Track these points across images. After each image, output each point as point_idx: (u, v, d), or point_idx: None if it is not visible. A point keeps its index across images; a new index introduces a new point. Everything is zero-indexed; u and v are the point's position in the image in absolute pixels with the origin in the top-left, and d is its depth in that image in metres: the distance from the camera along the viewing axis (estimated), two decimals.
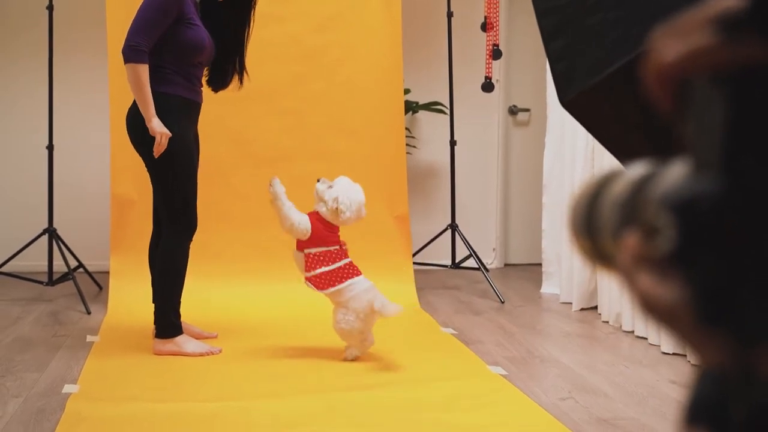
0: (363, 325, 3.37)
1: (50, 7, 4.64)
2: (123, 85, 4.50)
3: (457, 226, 5.23)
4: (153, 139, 3.34)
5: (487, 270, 5.10)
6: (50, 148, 4.68)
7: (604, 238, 0.52)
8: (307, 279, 3.41)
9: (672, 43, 0.46)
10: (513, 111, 6.35)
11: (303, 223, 3.37)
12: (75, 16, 5.45)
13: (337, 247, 3.43)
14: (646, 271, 0.47)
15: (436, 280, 5.46)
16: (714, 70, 0.44)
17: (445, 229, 5.28)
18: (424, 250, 5.28)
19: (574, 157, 4.61)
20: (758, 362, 0.44)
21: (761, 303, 0.43)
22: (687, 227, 0.43)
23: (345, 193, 3.39)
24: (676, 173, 0.47)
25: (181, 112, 3.43)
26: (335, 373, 3.27)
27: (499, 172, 6.28)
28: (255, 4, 3.66)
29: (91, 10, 5.29)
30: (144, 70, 3.29)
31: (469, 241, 5.14)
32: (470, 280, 5.45)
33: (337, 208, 3.36)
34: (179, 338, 3.52)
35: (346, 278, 3.38)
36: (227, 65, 3.65)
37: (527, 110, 6.35)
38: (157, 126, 3.31)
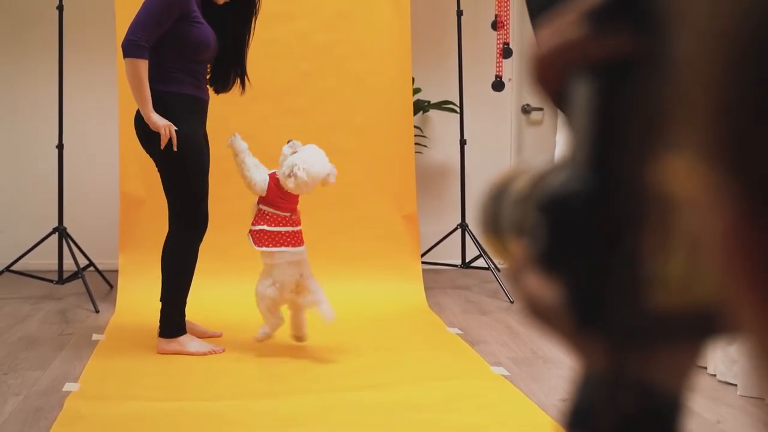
0: (279, 295, 3.39)
1: (60, 7, 4.67)
2: None
3: (467, 226, 5.21)
4: (159, 139, 3.35)
5: (497, 269, 5.08)
6: (60, 147, 4.71)
7: (506, 234, 0.50)
8: (250, 232, 3.46)
9: (548, 36, 0.44)
10: (526, 110, 6.31)
11: (260, 183, 3.42)
12: (84, 15, 5.48)
13: (289, 214, 3.46)
14: (531, 273, 0.45)
15: (446, 280, 5.44)
16: (584, 63, 0.42)
17: (455, 229, 5.26)
18: (434, 250, 5.27)
19: None
20: (628, 365, 0.42)
21: (630, 304, 0.41)
22: (555, 227, 0.42)
23: (305, 161, 3.38)
24: (562, 171, 0.45)
25: (190, 111, 3.43)
26: (336, 373, 3.27)
27: None
28: (257, 10, 3.65)
29: (101, 9, 5.32)
30: (143, 65, 3.29)
31: (481, 242, 5.12)
32: (481, 280, 5.43)
33: (288, 174, 3.35)
34: (183, 338, 3.53)
35: (282, 244, 3.40)
36: (228, 69, 3.64)
37: (540, 109, 6.31)
38: (157, 120, 3.32)
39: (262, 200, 3.47)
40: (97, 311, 4.31)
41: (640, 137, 0.40)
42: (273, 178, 3.45)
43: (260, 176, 3.44)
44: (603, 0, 0.41)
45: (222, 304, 4.26)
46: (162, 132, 3.31)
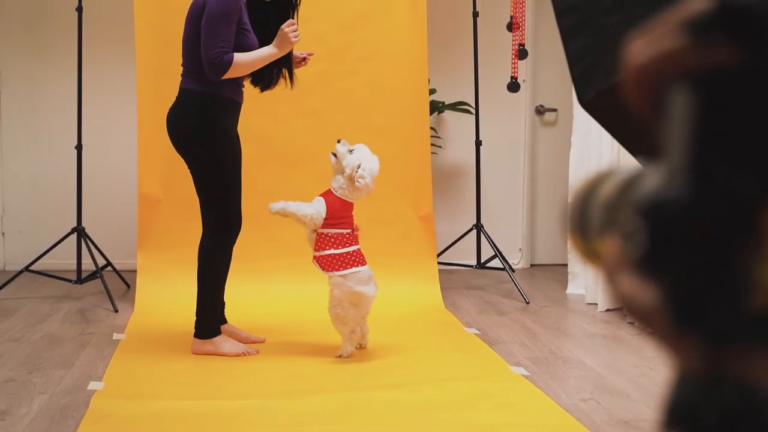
0: (356, 311, 3.40)
1: (79, 9, 4.70)
2: (150, 85, 4.57)
3: (482, 226, 5.23)
4: (197, 140, 3.37)
5: (512, 270, 5.09)
6: (79, 148, 4.74)
7: (593, 237, 0.52)
8: (315, 258, 3.45)
9: (644, 46, 0.46)
10: (540, 111, 6.32)
11: (319, 212, 3.41)
12: (104, 17, 5.52)
13: (350, 231, 3.47)
14: (627, 274, 0.47)
15: (462, 280, 5.45)
16: (683, 72, 0.44)
17: (471, 229, 5.27)
18: (449, 250, 5.28)
19: (600, 157, 4.59)
20: (728, 366, 0.44)
21: (731, 306, 0.43)
22: (655, 232, 0.44)
23: (366, 161, 3.43)
24: (654, 176, 0.47)
25: (224, 112, 3.44)
26: (355, 373, 3.29)
27: (526, 172, 6.26)
28: (298, 3, 3.63)
29: (120, 11, 5.35)
30: (236, 62, 3.27)
31: (496, 242, 5.13)
32: (496, 280, 5.44)
33: (353, 175, 3.38)
34: (217, 338, 3.54)
35: (352, 265, 3.41)
36: (273, 66, 3.61)
37: (554, 110, 6.32)
38: (280, 41, 3.36)
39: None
40: (116, 311, 4.34)
41: (742, 146, 0.41)
42: (329, 195, 3.46)
43: (311, 208, 3.43)
44: (706, 10, 0.43)
45: (240, 305, 4.26)
46: (291, 34, 3.35)
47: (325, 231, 3.43)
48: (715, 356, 0.44)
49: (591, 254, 0.54)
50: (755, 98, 0.41)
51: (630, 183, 0.49)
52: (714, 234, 0.42)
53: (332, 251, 3.41)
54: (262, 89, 3.67)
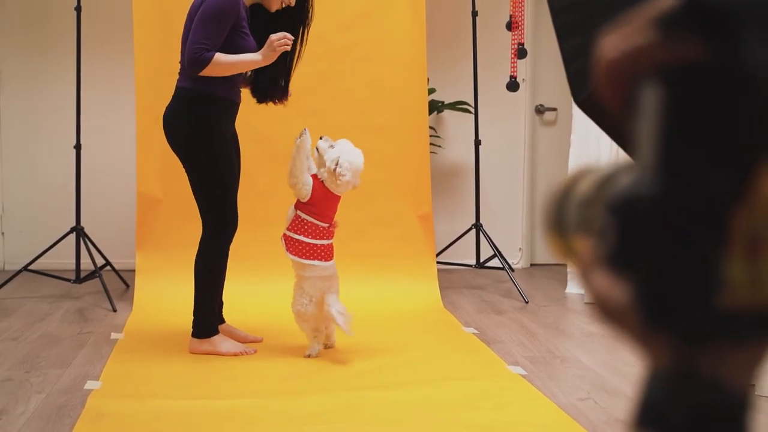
0: (317, 311, 3.40)
1: (78, 8, 4.70)
2: (149, 84, 4.56)
3: (482, 226, 5.22)
4: (192, 139, 3.36)
5: (512, 269, 5.08)
6: (77, 147, 4.74)
7: (570, 234, 0.52)
8: (284, 236, 3.46)
9: (615, 42, 0.46)
10: (539, 110, 6.32)
11: (307, 186, 3.41)
12: (103, 17, 5.52)
13: (327, 225, 3.46)
14: (600, 272, 0.47)
15: (461, 280, 5.45)
16: (653, 68, 0.44)
17: (470, 229, 5.27)
18: (448, 250, 5.28)
19: (600, 156, 4.59)
20: (698, 363, 0.44)
21: (701, 303, 0.42)
22: (625, 229, 0.43)
23: (346, 155, 3.41)
24: (628, 173, 0.47)
25: (220, 111, 3.43)
26: (354, 372, 3.28)
27: (526, 172, 6.25)
28: (310, 21, 3.60)
29: (119, 10, 5.35)
30: (216, 60, 3.25)
31: (495, 241, 5.13)
32: (495, 280, 5.44)
33: (335, 170, 3.37)
34: (215, 338, 3.53)
35: (314, 258, 3.41)
36: (274, 81, 3.60)
37: (554, 109, 6.31)
38: (267, 50, 3.31)
39: (301, 206, 3.46)
40: (115, 310, 4.34)
41: (714, 142, 0.41)
42: (316, 180, 3.45)
43: (308, 179, 3.43)
44: (674, 6, 0.42)
45: (238, 305, 4.27)
46: (278, 46, 3.30)
47: (303, 216, 3.44)
48: (685, 354, 0.44)
49: (569, 252, 0.54)
50: (723, 94, 0.41)
51: (606, 180, 0.48)
52: (684, 231, 0.42)
53: (302, 238, 3.43)
54: (259, 101, 3.65)
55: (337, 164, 3.38)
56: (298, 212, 3.45)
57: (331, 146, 3.45)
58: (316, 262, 3.41)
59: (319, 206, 3.43)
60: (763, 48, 0.38)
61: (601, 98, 0.49)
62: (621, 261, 0.45)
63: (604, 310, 0.46)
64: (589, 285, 0.47)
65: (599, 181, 0.49)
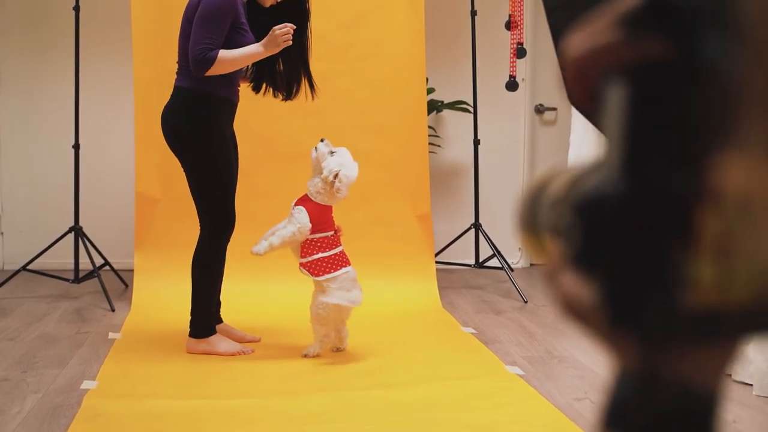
0: (338, 314, 3.39)
1: (77, 8, 4.70)
2: (148, 84, 4.56)
3: (481, 225, 5.22)
4: (191, 139, 3.36)
5: (511, 269, 5.08)
6: (76, 147, 4.74)
7: (543, 235, 0.51)
8: (302, 265, 3.43)
9: (581, 40, 0.45)
10: (539, 110, 6.31)
11: (304, 225, 3.38)
12: (101, 16, 5.51)
13: (332, 233, 3.45)
14: (566, 272, 0.46)
15: (460, 280, 5.44)
16: (618, 67, 0.43)
17: (469, 229, 5.26)
18: (447, 250, 5.28)
19: (599, 156, 4.58)
20: (664, 365, 0.43)
21: (666, 303, 0.42)
22: (590, 228, 0.43)
23: (345, 170, 3.39)
24: (596, 172, 0.46)
25: (220, 111, 3.43)
26: (352, 372, 3.28)
27: (525, 171, 6.25)
28: (309, 14, 3.60)
29: (117, 10, 5.35)
30: (220, 59, 3.25)
31: (495, 241, 5.12)
32: (494, 280, 5.43)
33: (332, 181, 3.35)
34: (212, 338, 3.53)
35: (341, 266, 3.41)
36: (292, 75, 3.61)
37: (554, 109, 6.31)
38: (267, 41, 3.30)
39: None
40: (113, 310, 4.34)
41: (677, 139, 0.41)
42: (307, 202, 3.42)
43: (294, 225, 3.39)
44: (637, 4, 0.42)
45: (237, 304, 4.26)
46: (281, 37, 3.28)
47: (310, 237, 3.42)
48: (651, 355, 0.44)
49: (542, 252, 0.53)
50: (685, 93, 0.40)
51: (577, 180, 0.48)
52: (648, 230, 0.42)
53: (320, 255, 3.40)
54: (285, 98, 3.66)
55: (335, 177, 3.36)
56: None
57: (332, 152, 3.42)
58: (343, 270, 3.41)
59: (318, 223, 3.42)
60: (717, 44, 0.38)
61: (570, 97, 0.49)
62: (586, 261, 0.44)
63: (571, 310, 0.46)
64: (554, 285, 0.47)
65: (571, 181, 0.48)
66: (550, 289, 0.48)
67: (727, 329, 0.42)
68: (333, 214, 3.51)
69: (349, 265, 3.45)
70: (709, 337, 0.42)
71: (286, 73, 3.63)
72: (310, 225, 3.39)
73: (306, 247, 3.42)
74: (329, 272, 3.39)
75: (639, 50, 0.41)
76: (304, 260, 3.42)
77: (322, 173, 3.41)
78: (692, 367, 0.43)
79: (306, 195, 3.46)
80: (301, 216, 3.39)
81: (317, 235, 3.42)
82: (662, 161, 0.41)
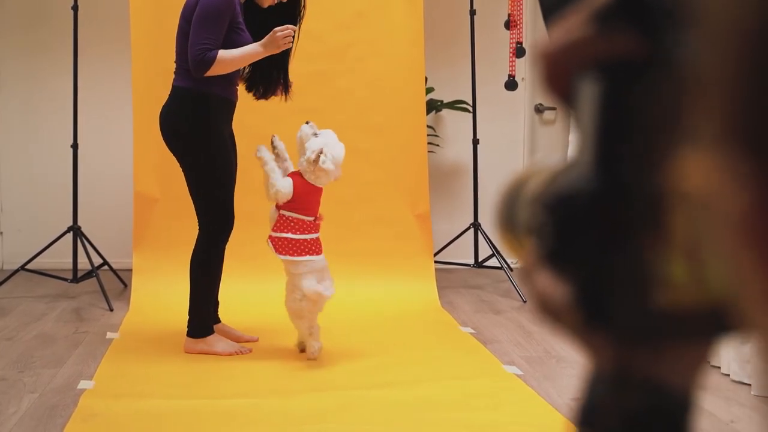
0: (311, 306, 3.35)
1: (75, 7, 4.70)
2: (146, 84, 4.56)
3: (480, 225, 5.21)
4: (191, 140, 3.36)
5: (510, 269, 5.07)
6: (75, 146, 4.74)
7: (521, 233, 0.51)
8: (270, 238, 3.41)
9: (556, 36, 0.45)
10: (539, 109, 6.30)
11: (286, 188, 3.36)
12: (100, 16, 5.51)
13: (312, 218, 3.43)
14: (541, 271, 0.46)
15: (459, 280, 5.43)
16: (591, 63, 0.43)
17: (468, 228, 5.26)
18: (447, 249, 5.27)
19: None
20: (636, 364, 0.43)
21: (638, 302, 0.41)
22: (562, 227, 0.42)
23: (329, 147, 3.37)
24: (571, 170, 0.46)
25: (218, 111, 3.42)
26: (350, 371, 3.27)
27: None
28: (303, 15, 3.61)
29: (116, 10, 5.34)
30: (220, 60, 3.25)
31: (494, 241, 5.12)
32: (493, 279, 5.42)
33: (315, 160, 3.33)
34: (210, 338, 3.52)
35: (307, 253, 3.37)
36: (270, 74, 3.60)
37: (553, 109, 6.30)
38: (268, 42, 3.30)
39: (283, 206, 3.41)
40: (112, 310, 4.34)
41: (647, 136, 0.40)
42: (297, 177, 3.41)
43: (281, 183, 3.37)
44: (609, 1, 0.42)
45: (235, 304, 4.26)
46: (282, 39, 3.29)
47: (287, 213, 3.40)
48: (623, 354, 0.43)
49: (519, 250, 0.53)
50: (657, 89, 0.40)
51: (553, 177, 0.47)
52: (620, 229, 0.41)
53: (289, 235, 3.38)
54: (258, 97, 3.66)
55: (318, 155, 3.33)
56: (282, 211, 3.41)
57: (315, 134, 3.40)
58: (308, 258, 3.38)
59: (300, 201, 3.39)
60: (680, 39, 0.37)
61: (546, 93, 0.48)
62: (559, 259, 0.44)
63: (545, 309, 0.45)
64: (529, 283, 0.47)
65: (547, 179, 0.48)
66: (526, 288, 0.48)
67: (699, 329, 0.41)
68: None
69: (320, 254, 3.41)
70: (682, 337, 0.42)
71: (266, 73, 3.61)
72: (290, 194, 3.36)
73: (279, 223, 3.40)
74: (293, 255, 3.36)
75: (611, 46, 0.41)
76: (273, 234, 3.41)
77: (305, 154, 3.38)
78: (665, 367, 0.42)
79: (298, 171, 3.44)
80: (287, 183, 3.38)
81: (294, 215, 3.39)
82: (633, 158, 0.41)
